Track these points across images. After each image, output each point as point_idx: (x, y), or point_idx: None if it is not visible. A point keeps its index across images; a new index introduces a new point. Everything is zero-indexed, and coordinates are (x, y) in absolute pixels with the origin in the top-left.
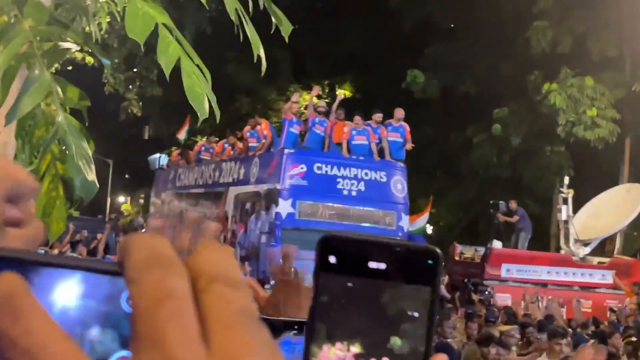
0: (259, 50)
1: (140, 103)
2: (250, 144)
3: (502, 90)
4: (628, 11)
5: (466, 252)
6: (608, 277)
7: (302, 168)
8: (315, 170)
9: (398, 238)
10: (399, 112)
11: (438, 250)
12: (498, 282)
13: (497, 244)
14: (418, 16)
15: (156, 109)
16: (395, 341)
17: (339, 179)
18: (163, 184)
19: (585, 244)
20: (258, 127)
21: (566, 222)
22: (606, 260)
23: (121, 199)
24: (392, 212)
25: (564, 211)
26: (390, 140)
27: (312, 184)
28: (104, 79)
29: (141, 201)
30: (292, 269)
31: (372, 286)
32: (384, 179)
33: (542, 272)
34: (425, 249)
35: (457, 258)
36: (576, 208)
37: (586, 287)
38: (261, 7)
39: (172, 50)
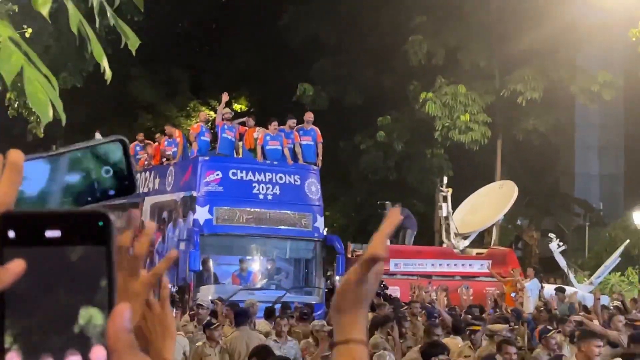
0: (102, 61)
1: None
2: (167, 152)
3: (385, 100)
4: (495, 20)
5: (358, 250)
6: (486, 266)
7: (217, 174)
8: (231, 176)
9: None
10: (309, 116)
11: (107, 213)
12: (387, 276)
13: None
14: (306, 33)
15: (61, 130)
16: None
17: (254, 184)
18: None
19: (465, 237)
20: (174, 135)
21: (447, 218)
22: (484, 251)
23: None
24: (308, 214)
25: (444, 208)
26: (302, 144)
27: (228, 189)
28: (6, 102)
29: None
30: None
31: (53, 252)
32: (298, 182)
33: (427, 265)
34: (94, 212)
35: (349, 256)
36: (456, 205)
37: (467, 277)
38: (111, 24)
39: (15, 60)
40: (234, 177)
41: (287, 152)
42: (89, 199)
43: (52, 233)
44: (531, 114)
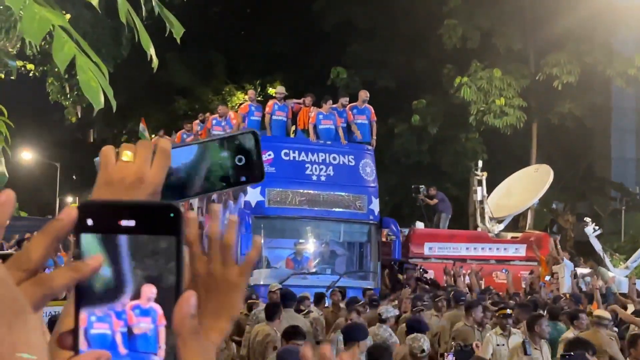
0: (150, 50)
1: (79, 108)
2: (215, 132)
3: (418, 84)
4: (530, 4)
5: (392, 234)
6: (521, 250)
7: (269, 155)
8: (283, 157)
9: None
10: (364, 94)
11: (177, 206)
12: (422, 260)
13: (419, 225)
14: (339, 17)
15: (99, 113)
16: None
17: (307, 165)
18: None
19: (499, 221)
20: (228, 115)
21: (481, 202)
22: (519, 235)
23: (69, 199)
24: (362, 195)
25: (479, 192)
26: (357, 122)
27: (280, 170)
28: (47, 89)
29: None
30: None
31: (128, 240)
32: (353, 163)
33: (462, 249)
34: (167, 205)
35: (384, 240)
36: (490, 189)
37: (501, 261)
38: (156, 12)
39: (67, 49)
40: (287, 158)
41: (340, 132)
42: (224, 184)
43: (127, 222)
44: (567, 97)
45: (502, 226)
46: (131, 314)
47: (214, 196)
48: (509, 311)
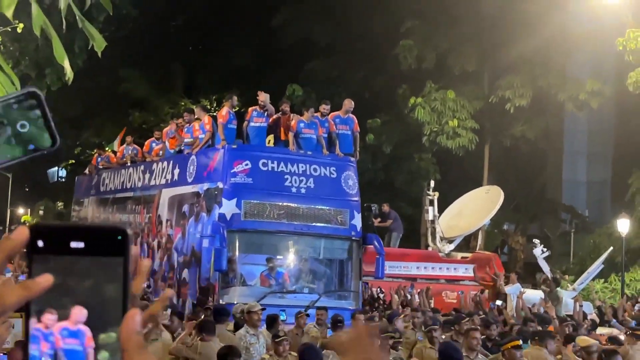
0: (64, 63)
1: None
2: (185, 140)
3: (374, 103)
4: (487, 27)
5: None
6: (470, 270)
7: (246, 165)
8: (261, 167)
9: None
10: (348, 103)
11: (125, 228)
12: (372, 278)
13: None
14: (298, 34)
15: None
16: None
17: (286, 176)
18: (85, 190)
19: (450, 241)
20: (203, 120)
21: (433, 221)
22: (469, 255)
23: (21, 210)
24: (344, 209)
25: (431, 212)
26: (339, 133)
27: (258, 181)
28: None
29: (41, 212)
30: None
31: (77, 262)
32: (334, 175)
33: (412, 268)
34: (114, 227)
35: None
36: (442, 209)
37: (451, 280)
38: (79, 26)
39: None
40: (265, 168)
41: (322, 141)
42: (8, 155)
43: (76, 244)
44: (520, 120)
45: (452, 246)
46: (58, 336)
47: (186, 208)
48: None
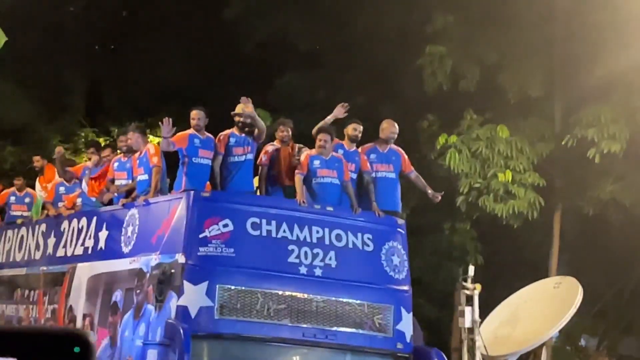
0: None
1: None
2: (122, 182)
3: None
4: (560, 34)
5: None
6: None
7: (224, 225)
8: (250, 230)
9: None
10: (391, 126)
11: (88, 336)
12: None
13: None
14: (265, 32)
15: None
16: None
17: (291, 246)
18: None
19: None
20: (145, 151)
21: (471, 329)
22: None
23: None
24: (386, 305)
25: (468, 315)
26: (378, 176)
27: (244, 254)
28: None
29: None
30: None
31: None
32: (370, 247)
33: None
34: (70, 334)
35: None
36: (486, 311)
37: None
38: None
39: None
40: (256, 232)
41: (350, 189)
42: None
43: None
44: (609, 175)
45: None
46: None
47: (118, 297)
48: None
